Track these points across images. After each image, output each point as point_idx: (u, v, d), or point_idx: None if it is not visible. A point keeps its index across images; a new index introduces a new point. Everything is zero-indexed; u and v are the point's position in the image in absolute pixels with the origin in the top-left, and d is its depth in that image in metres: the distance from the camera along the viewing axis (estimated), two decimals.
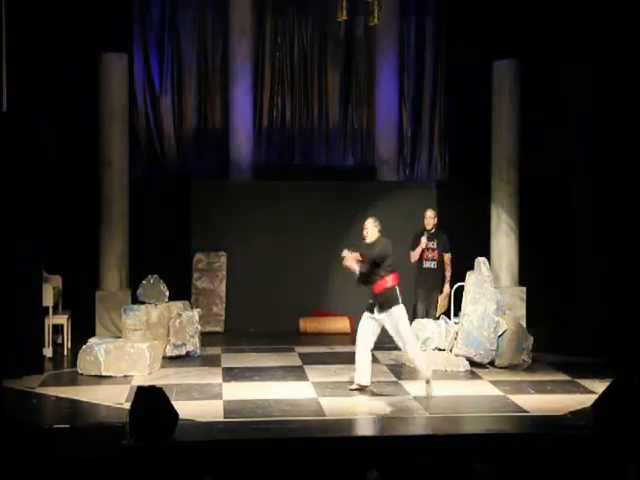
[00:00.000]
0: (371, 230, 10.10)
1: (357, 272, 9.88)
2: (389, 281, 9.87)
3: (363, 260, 9.90)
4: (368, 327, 10.04)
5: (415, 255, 12.09)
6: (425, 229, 12.18)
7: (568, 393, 10.13)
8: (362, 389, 10.06)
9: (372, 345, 10.09)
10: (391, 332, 9.97)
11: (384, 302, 9.87)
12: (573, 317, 12.90)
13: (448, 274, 12.17)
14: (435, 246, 12.18)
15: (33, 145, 10.98)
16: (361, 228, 10.23)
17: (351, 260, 9.90)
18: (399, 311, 9.87)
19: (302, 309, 13.89)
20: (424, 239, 12.09)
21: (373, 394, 10.02)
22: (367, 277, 9.92)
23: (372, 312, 9.98)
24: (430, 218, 12.20)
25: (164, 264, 13.00)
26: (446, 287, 12.16)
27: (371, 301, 9.98)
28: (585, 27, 12.72)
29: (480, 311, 11.31)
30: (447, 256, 12.19)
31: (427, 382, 9.91)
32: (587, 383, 10.45)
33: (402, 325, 9.89)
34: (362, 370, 10.05)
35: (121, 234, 13.16)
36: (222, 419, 9.02)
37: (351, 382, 10.19)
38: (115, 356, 10.95)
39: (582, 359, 11.67)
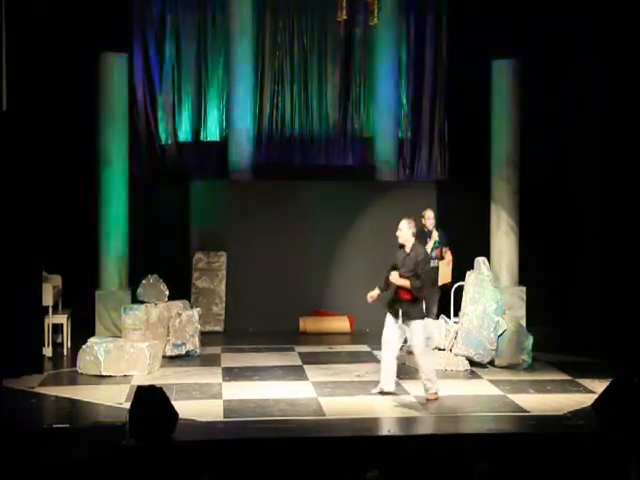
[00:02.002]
0: (405, 233, 9.75)
1: (409, 286, 9.61)
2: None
3: (402, 275, 9.65)
4: (393, 332, 9.81)
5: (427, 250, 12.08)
6: (425, 228, 12.20)
7: (568, 393, 10.14)
8: (385, 394, 9.90)
9: (397, 352, 9.94)
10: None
11: (406, 312, 9.69)
12: (573, 317, 12.89)
13: (449, 252, 12.20)
14: (437, 244, 12.23)
15: (33, 145, 10.98)
16: (391, 229, 9.96)
17: (397, 279, 9.67)
18: (418, 326, 9.70)
19: (302, 309, 13.89)
20: (435, 232, 12.12)
21: (380, 393, 10.03)
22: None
23: (396, 317, 9.77)
24: (431, 218, 12.24)
25: (164, 264, 12.99)
26: (447, 255, 12.12)
27: (395, 306, 9.76)
28: (585, 27, 12.72)
29: (480, 311, 11.31)
30: (445, 248, 12.23)
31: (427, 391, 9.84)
32: (587, 383, 10.46)
33: (415, 339, 9.74)
34: (387, 376, 9.87)
35: (121, 234, 13.15)
36: (222, 419, 9.03)
37: (375, 385, 10.06)
38: (115, 356, 10.95)
39: (582, 359, 11.68)
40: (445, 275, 12.15)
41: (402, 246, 9.81)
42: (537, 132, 13.55)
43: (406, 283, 9.61)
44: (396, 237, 9.84)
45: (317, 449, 8.18)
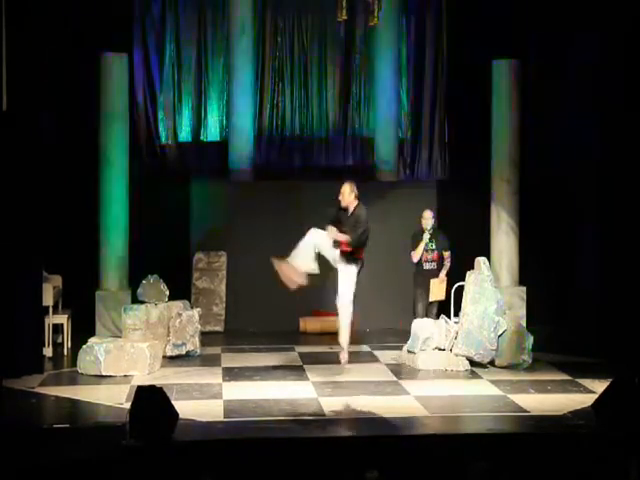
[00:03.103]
0: (347, 197, 10.44)
1: (348, 240, 10.38)
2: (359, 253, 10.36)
3: (345, 232, 10.40)
4: (321, 237, 10.49)
5: (418, 253, 12.07)
6: (424, 229, 12.19)
7: (568, 393, 10.14)
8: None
9: (314, 246, 10.58)
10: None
11: (345, 259, 10.49)
12: (573, 317, 12.89)
13: (448, 264, 12.17)
14: (434, 247, 12.19)
15: (33, 145, 10.98)
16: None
17: (335, 234, 10.39)
18: (348, 270, 10.50)
19: (302, 309, 13.88)
20: (426, 235, 12.10)
21: (372, 393, 10.03)
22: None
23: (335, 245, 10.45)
24: (429, 218, 12.22)
25: (164, 264, 12.98)
26: (442, 273, 12.14)
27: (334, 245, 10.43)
28: (585, 26, 12.72)
29: (480, 311, 11.30)
30: (447, 253, 12.21)
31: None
32: (587, 383, 10.46)
33: (341, 283, 10.54)
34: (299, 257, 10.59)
35: (121, 234, 13.14)
36: (222, 419, 9.03)
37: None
38: (115, 356, 10.95)
39: (582, 359, 11.67)
40: (438, 291, 12.10)
41: (345, 209, 10.59)
42: (537, 132, 13.54)
43: (344, 237, 10.41)
44: (339, 200, 10.61)
45: (317, 449, 8.18)
